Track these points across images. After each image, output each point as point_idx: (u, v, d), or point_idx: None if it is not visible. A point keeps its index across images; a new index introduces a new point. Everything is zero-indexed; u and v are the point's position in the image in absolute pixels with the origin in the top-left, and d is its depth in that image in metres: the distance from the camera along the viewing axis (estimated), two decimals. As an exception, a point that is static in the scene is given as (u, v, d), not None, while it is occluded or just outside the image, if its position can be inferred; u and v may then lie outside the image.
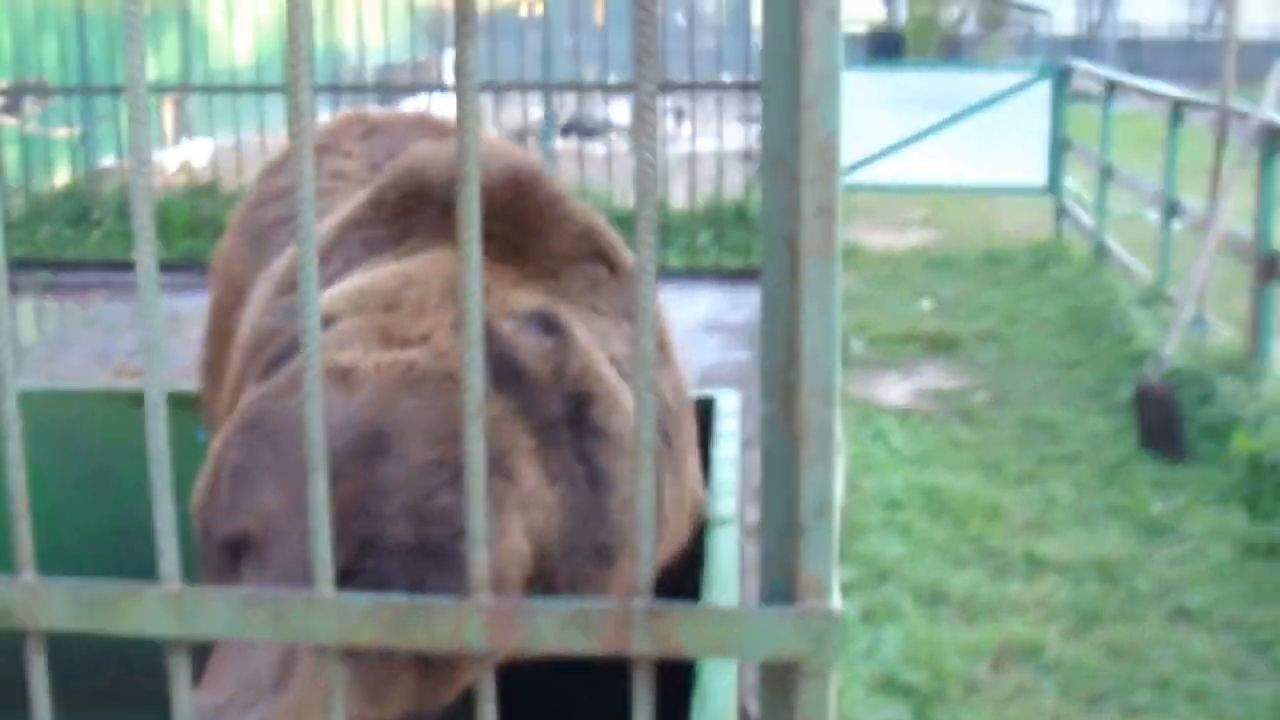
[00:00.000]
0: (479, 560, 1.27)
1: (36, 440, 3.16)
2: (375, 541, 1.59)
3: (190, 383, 3.03)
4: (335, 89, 10.62)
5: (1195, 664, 4.48)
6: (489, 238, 1.99)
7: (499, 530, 1.65)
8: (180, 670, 1.32)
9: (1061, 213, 11.77)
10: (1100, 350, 8.10)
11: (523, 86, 10.07)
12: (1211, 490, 5.84)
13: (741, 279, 8.58)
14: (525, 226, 2.02)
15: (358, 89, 10.83)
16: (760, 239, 1.26)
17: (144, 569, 3.03)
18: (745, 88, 9.42)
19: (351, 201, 2.22)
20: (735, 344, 7.34)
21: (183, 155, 12.05)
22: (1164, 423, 6.24)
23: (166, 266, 9.26)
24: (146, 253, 1.23)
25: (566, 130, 13.54)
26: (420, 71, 13.00)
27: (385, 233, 2.05)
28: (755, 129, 12.84)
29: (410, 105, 12.39)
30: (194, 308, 8.15)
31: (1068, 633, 4.54)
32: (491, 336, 1.73)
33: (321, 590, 1.28)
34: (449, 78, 13.18)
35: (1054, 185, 12.06)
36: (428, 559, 1.59)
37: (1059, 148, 12.00)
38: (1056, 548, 5.28)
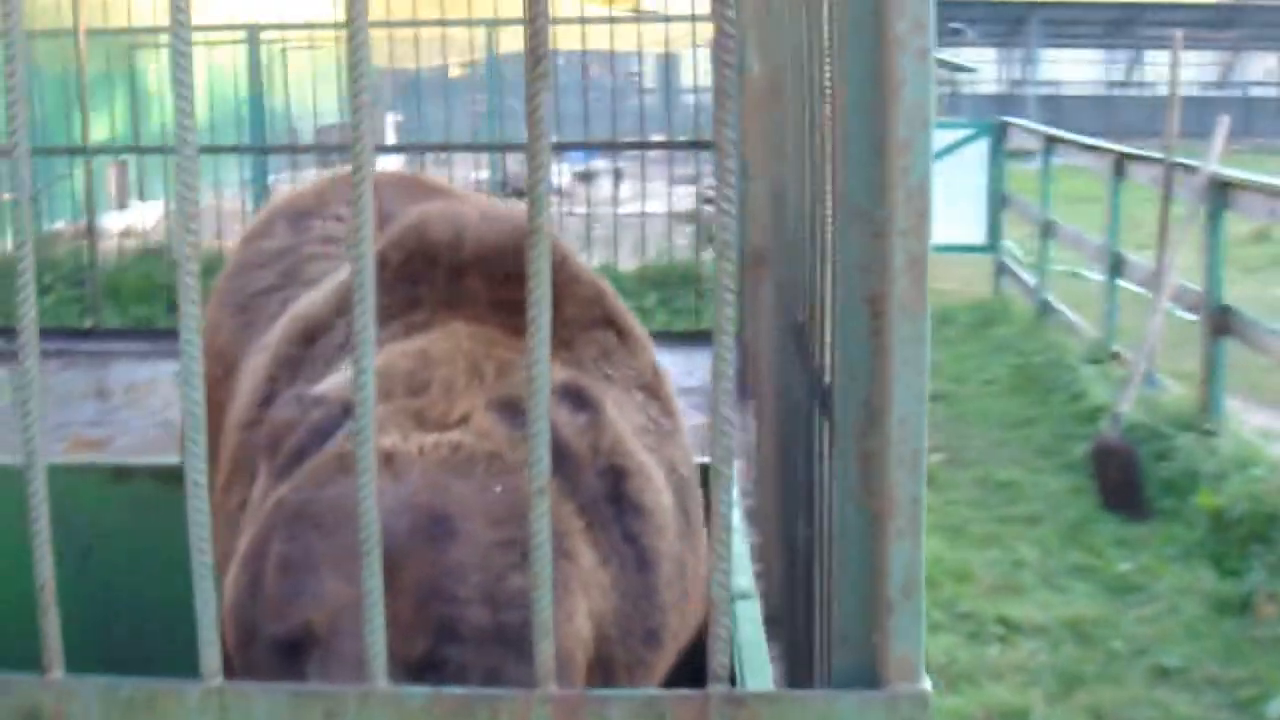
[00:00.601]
0: (545, 648, 1.22)
1: (15, 519, 3.05)
2: (454, 627, 1.54)
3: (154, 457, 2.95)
4: (293, 149, 10.50)
5: (1179, 725, 4.49)
6: (500, 305, 1.94)
7: (567, 613, 1.61)
8: (219, 773, 1.25)
9: (1001, 270, 11.91)
10: (1050, 408, 8.16)
11: (473, 148, 9.93)
12: (1175, 547, 5.88)
13: (690, 342, 8.55)
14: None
15: (310, 148, 10.76)
16: (838, 296, 1.22)
17: (129, 657, 2.92)
18: (696, 146, 9.41)
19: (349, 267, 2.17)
20: (691, 409, 7.30)
21: (131, 219, 11.81)
22: (1124, 480, 6.29)
23: (119, 334, 8.96)
24: (190, 320, 1.18)
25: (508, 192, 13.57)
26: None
27: (390, 301, 2.00)
28: (702, 188, 12.87)
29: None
30: (150, 376, 7.97)
31: (1051, 697, 4.53)
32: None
33: (376, 684, 1.22)
34: (389, 138, 12.96)
35: (993, 243, 12.19)
36: (504, 646, 1.54)
37: (997, 205, 12.15)
38: (1028, 610, 5.27)
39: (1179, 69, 6.53)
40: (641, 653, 1.72)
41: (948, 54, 30.37)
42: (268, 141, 11.76)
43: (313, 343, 2.06)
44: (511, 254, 1.97)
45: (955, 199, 12.20)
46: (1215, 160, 6.56)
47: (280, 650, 1.58)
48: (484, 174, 12.57)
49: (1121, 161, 8.61)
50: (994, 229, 12.21)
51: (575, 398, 1.77)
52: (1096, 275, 9.51)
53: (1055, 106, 32.09)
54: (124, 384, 7.86)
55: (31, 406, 1.23)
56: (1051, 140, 10.72)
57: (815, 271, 2.26)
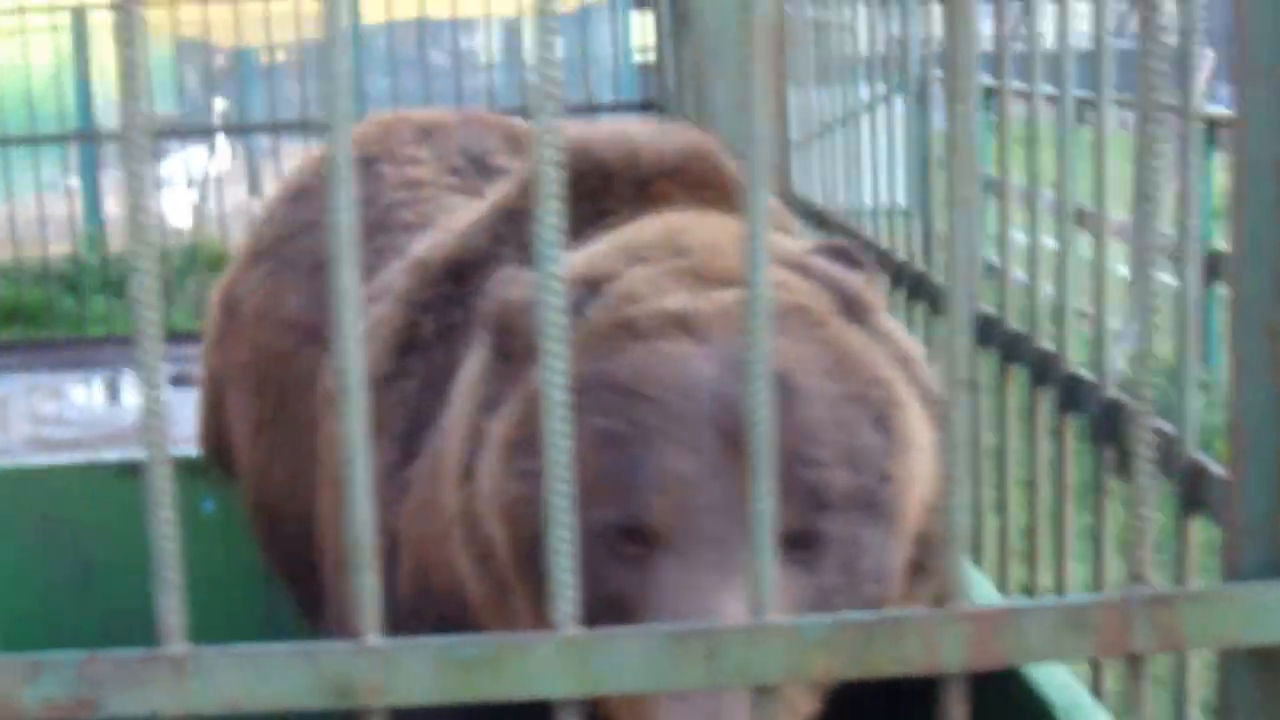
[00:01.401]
0: (954, 563, 1.18)
1: (12, 525, 2.92)
2: (822, 493, 1.52)
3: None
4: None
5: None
6: (707, 203, 1.95)
7: (913, 473, 1.60)
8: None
9: (929, 233, 11.99)
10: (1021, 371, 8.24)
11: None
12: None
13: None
14: (724, 200, 1.98)
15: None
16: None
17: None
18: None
19: (491, 194, 2.14)
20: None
21: None
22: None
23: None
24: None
25: None
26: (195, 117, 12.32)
27: (570, 220, 1.98)
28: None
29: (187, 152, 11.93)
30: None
31: (1120, 677, 4.56)
32: (819, 272, 1.72)
33: (766, 618, 1.16)
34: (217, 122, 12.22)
35: (922, 205, 12.28)
36: (863, 511, 1.54)
37: (923, 164, 12.24)
38: (1043, 577, 5.32)
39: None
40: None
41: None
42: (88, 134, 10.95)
43: (464, 280, 2.00)
44: (692, 169, 1.96)
45: (878, 159, 12.23)
46: (1200, 97, 6.68)
47: (611, 539, 1.53)
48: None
49: (1081, 106, 8.67)
50: (922, 190, 12.28)
51: (842, 256, 1.78)
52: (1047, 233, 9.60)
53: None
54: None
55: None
56: (989, 91, 10.82)
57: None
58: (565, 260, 1.75)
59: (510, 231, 2.02)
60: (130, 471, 2.99)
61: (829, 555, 1.54)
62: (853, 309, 1.70)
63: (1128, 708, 1.27)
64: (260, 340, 2.57)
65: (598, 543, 1.51)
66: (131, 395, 7.19)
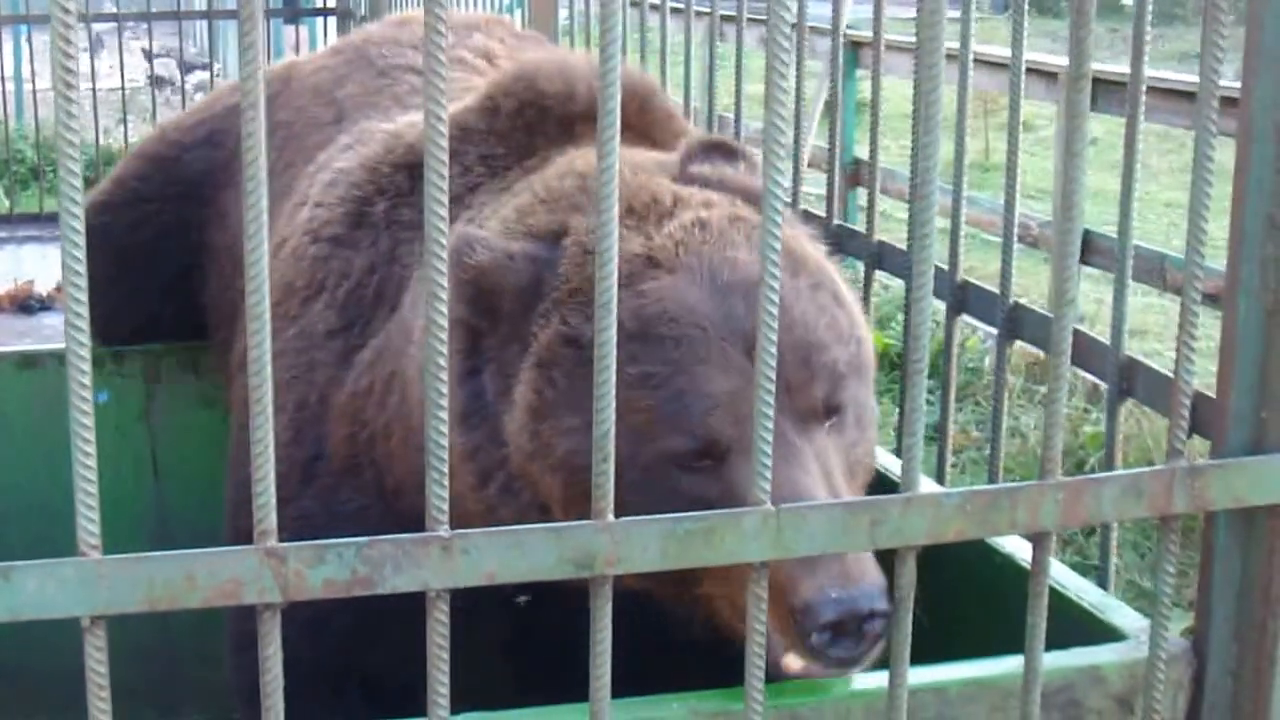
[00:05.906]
0: (1054, 443, 1.68)
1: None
2: (835, 368, 2.03)
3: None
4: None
5: None
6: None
7: (860, 337, 2.14)
8: (761, 591, 1.62)
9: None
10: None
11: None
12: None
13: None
14: (650, 141, 2.45)
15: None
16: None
17: (31, 547, 3.21)
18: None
19: (457, 104, 2.55)
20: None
21: None
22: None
23: None
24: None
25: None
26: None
27: (505, 150, 2.42)
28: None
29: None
30: None
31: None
32: (715, 179, 2.20)
33: (918, 489, 1.65)
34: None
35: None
36: (855, 373, 2.09)
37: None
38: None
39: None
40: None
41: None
42: None
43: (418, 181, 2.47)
44: (627, 107, 2.34)
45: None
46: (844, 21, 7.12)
47: (686, 460, 1.94)
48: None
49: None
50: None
51: (724, 151, 2.27)
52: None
53: None
54: None
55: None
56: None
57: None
58: (500, 215, 2.12)
59: (460, 151, 2.38)
60: (31, 362, 3.31)
61: (848, 416, 2.05)
62: (753, 201, 2.13)
63: (1152, 563, 1.80)
64: (306, 107, 3.06)
65: (669, 466, 1.95)
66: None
